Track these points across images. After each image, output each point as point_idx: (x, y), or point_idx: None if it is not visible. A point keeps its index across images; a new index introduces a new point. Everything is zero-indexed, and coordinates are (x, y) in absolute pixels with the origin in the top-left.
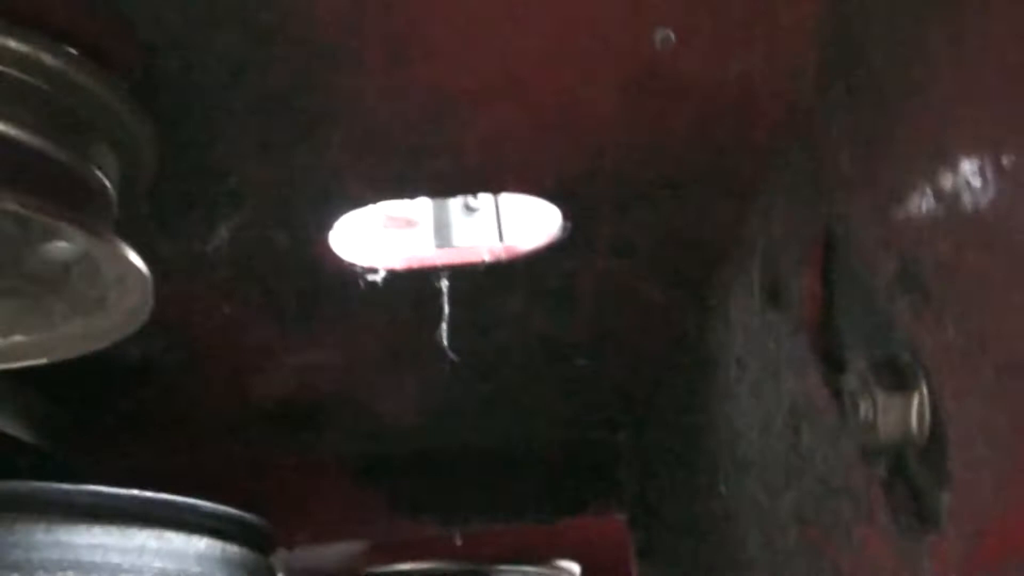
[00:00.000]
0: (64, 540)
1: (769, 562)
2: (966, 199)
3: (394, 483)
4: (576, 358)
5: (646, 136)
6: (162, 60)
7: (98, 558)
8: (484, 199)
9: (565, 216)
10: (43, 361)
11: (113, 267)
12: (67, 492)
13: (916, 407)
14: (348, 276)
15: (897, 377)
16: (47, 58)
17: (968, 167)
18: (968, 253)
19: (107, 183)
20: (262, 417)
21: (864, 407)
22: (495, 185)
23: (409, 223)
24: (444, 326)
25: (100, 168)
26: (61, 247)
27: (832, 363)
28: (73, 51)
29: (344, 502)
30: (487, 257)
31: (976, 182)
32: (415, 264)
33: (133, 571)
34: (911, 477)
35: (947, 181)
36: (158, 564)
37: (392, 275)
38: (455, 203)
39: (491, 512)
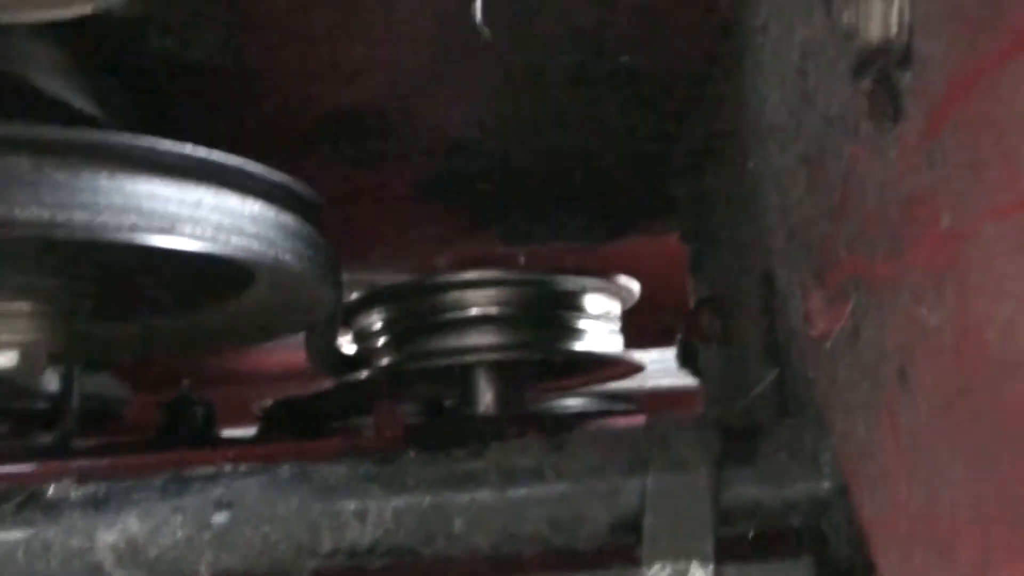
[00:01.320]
0: (127, 188)
1: (778, 220)
2: None
3: (459, 200)
4: (621, 53)
5: None
6: None
7: (158, 206)
8: None
9: None
10: (68, 14)
11: None
12: (127, 141)
13: (896, 11)
14: None
15: None
16: None
17: None
18: None
19: None
20: (322, 126)
21: (847, 14)
22: None
23: None
24: (479, 2)
25: None
26: None
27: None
28: None
29: (410, 220)
30: None
31: None
32: None
33: (191, 221)
34: (892, 84)
35: None
36: (215, 218)
37: None
38: None
39: (553, 230)
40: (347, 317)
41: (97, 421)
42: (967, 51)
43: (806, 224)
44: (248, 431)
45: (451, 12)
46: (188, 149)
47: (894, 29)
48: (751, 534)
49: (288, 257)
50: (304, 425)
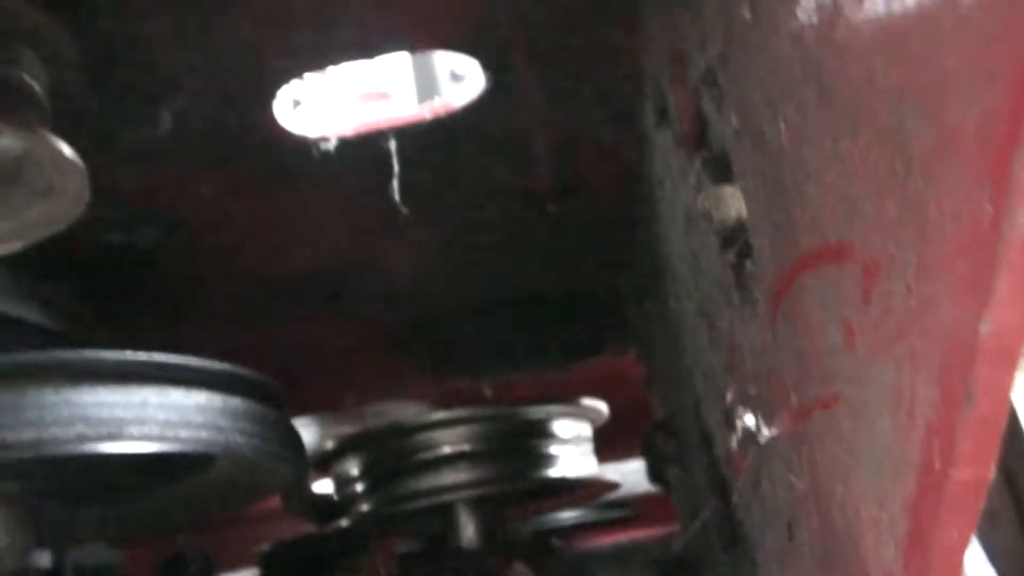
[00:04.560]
0: (73, 400)
1: (694, 362)
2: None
3: (421, 345)
4: (547, 204)
5: None
6: None
7: (105, 413)
8: (470, 66)
9: (484, 67)
10: (17, 246)
11: (50, 158)
12: (69, 358)
13: (741, 201)
14: (303, 147)
15: (721, 169)
16: None
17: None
18: (734, 51)
19: (37, 87)
20: (278, 292)
21: (701, 198)
22: (398, 44)
23: (383, 96)
24: (395, 183)
25: (28, 72)
26: (8, 144)
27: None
28: None
29: (377, 365)
30: (428, 114)
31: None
32: (362, 129)
33: (137, 422)
34: (740, 266)
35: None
36: (162, 416)
37: (343, 142)
38: (441, 71)
39: (515, 362)
40: (325, 464)
41: None
42: (781, 255)
43: (712, 373)
44: None
45: (372, 188)
46: (129, 355)
47: (744, 215)
48: None
49: (240, 439)
50: (303, 569)
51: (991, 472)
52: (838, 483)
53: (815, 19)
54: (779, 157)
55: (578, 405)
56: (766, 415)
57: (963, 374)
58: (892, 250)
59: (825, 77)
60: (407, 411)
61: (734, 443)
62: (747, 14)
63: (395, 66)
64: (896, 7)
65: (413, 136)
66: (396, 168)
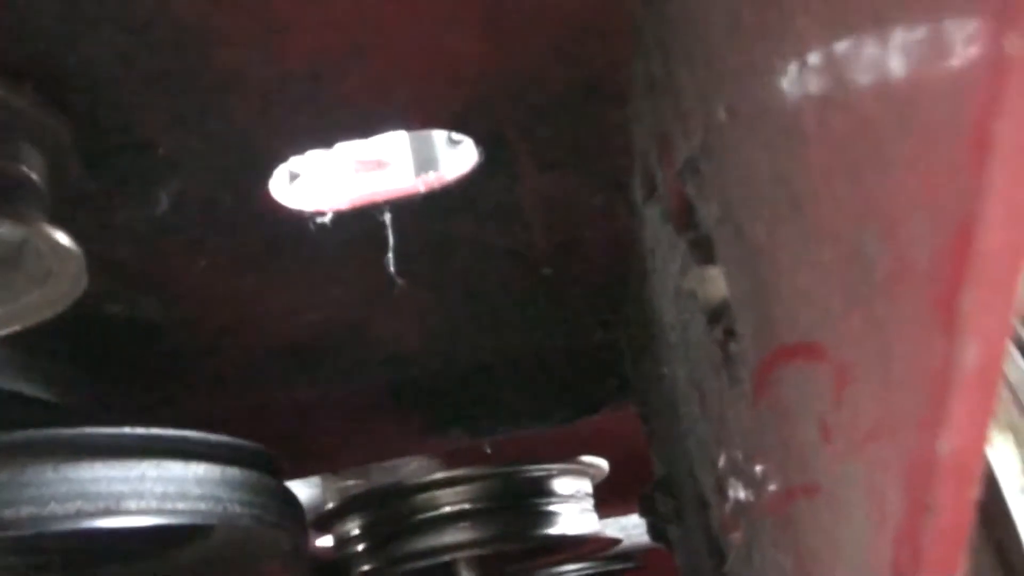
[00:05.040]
0: (71, 476)
1: (688, 427)
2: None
3: (420, 404)
4: (543, 267)
5: (518, 65)
6: (59, 61)
7: (103, 488)
8: None
9: (476, 142)
10: (16, 328)
11: (49, 247)
12: (67, 435)
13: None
14: (299, 221)
15: (706, 251)
16: None
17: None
18: (714, 145)
19: (34, 176)
20: (278, 358)
21: (688, 279)
22: (394, 124)
23: (380, 164)
24: (390, 255)
25: (26, 164)
26: (5, 232)
27: (699, 249)
28: None
29: (378, 426)
30: (422, 187)
31: (722, 115)
32: (358, 203)
33: (136, 496)
34: (726, 347)
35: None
36: (159, 489)
37: (339, 215)
38: (438, 138)
39: (514, 420)
40: (326, 524)
41: None
42: (762, 343)
43: (703, 441)
44: None
45: (368, 259)
46: (126, 430)
47: (729, 295)
48: None
49: (238, 509)
50: None
51: None
52: (820, 570)
53: (783, 133)
54: (757, 252)
55: (578, 462)
56: (754, 490)
57: (925, 487)
58: (860, 359)
59: (794, 188)
60: (408, 468)
61: (727, 510)
62: (722, 114)
63: (392, 135)
64: (854, 133)
65: (407, 208)
66: (391, 240)
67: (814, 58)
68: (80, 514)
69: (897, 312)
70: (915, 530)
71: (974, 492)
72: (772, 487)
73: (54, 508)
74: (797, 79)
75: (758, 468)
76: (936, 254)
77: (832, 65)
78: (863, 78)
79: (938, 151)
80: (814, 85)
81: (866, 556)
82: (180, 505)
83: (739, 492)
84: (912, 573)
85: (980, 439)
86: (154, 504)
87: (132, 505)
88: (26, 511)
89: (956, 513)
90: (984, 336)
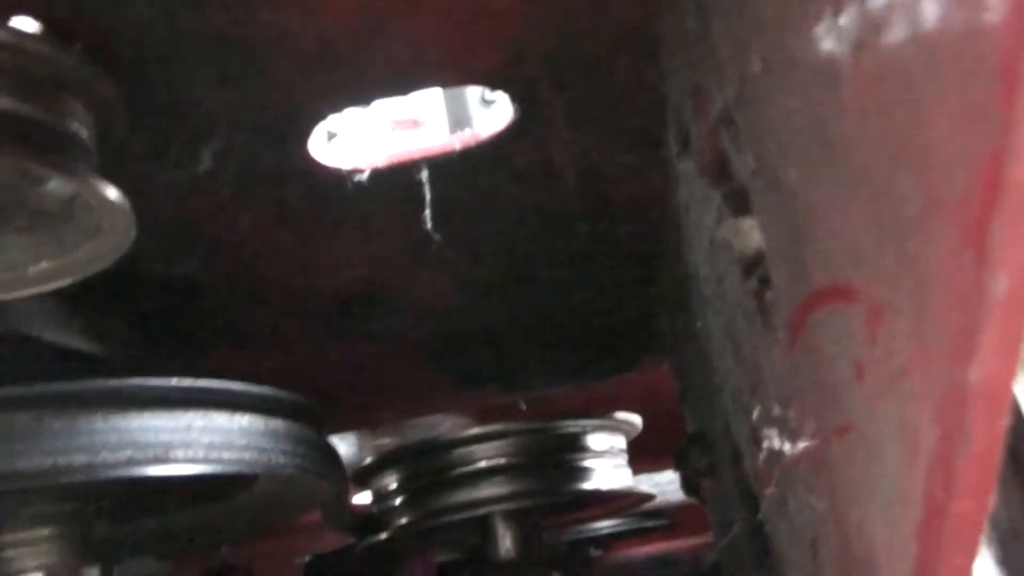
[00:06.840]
0: (121, 425)
1: (722, 380)
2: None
3: (456, 360)
4: (577, 225)
5: (553, 21)
6: (107, 20)
7: (151, 438)
8: (500, 93)
9: (512, 99)
10: (68, 281)
11: (98, 200)
12: (116, 386)
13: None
14: (338, 179)
15: (741, 203)
16: (10, 39)
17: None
18: (748, 95)
19: (83, 133)
20: (317, 315)
21: (722, 229)
22: (432, 81)
23: (416, 123)
24: (427, 212)
25: (76, 121)
26: (56, 187)
27: (733, 200)
28: (30, 31)
29: (414, 382)
30: (458, 145)
31: (756, 65)
32: (395, 160)
33: (183, 446)
34: (761, 296)
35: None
36: (206, 439)
37: (376, 173)
38: (472, 97)
39: (549, 377)
40: (364, 478)
41: None
42: (796, 289)
43: (738, 392)
44: None
45: (406, 215)
46: (173, 381)
47: (763, 245)
48: None
49: (281, 459)
50: None
51: (990, 503)
52: (854, 508)
53: (818, 79)
54: (791, 198)
55: (612, 419)
56: (789, 437)
57: (958, 416)
58: (893, 297)
59: (828, 133)
60: (444, 425)
61: (761, 460)
62: (757, 65)
63: (427, 93)
64: (887, 76)
65: (444, 166)
66: (428, 197)
67: (847, 3)
68: (131, 462)
69: (928, 247)
70: (948, 458)
71: (1005, 419)
72: (807, 432)
73: (105, 456)
74: (831, 25)
75: (792, 415)
76: (966, 187)
77: (865, 10)
78: (895, 20)
79: (967, 88)
80: (848, 30)
81: (899, 490)
82: (226, 455)
83: (774, 441)
84: (945, 501)
85: (1011, 366)
86: (201, 453)
87: (180, 454)
88: (79, 459)
89: (988, 439)
90: (1013, 265)
